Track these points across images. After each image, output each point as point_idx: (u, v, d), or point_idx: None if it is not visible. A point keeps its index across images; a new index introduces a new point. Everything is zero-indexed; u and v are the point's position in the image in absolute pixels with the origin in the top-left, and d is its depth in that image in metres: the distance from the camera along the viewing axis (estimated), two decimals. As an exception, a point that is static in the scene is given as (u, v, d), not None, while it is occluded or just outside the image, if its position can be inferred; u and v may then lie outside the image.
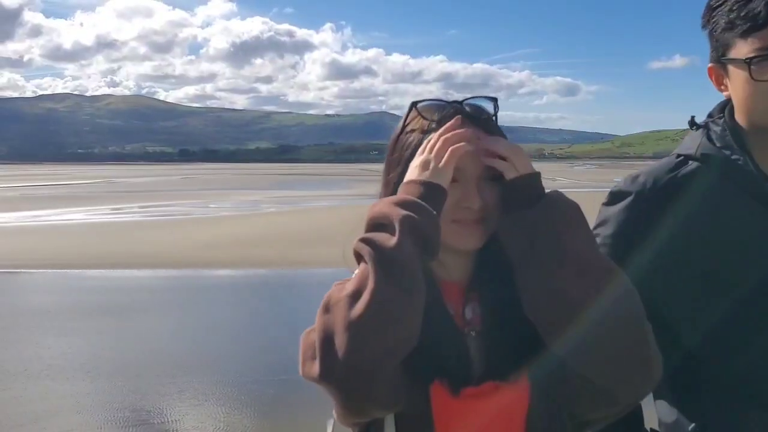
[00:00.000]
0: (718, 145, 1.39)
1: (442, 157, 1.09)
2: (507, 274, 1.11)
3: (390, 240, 1.01)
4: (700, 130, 1.44)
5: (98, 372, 7.16)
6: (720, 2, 1.35)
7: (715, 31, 1.37)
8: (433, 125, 1.14)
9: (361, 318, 0.96)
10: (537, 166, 1.13)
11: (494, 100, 1.18)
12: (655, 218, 1.38)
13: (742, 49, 1.31)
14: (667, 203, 1.38)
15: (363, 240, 1.03)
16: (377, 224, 1.04)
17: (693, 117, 1.48)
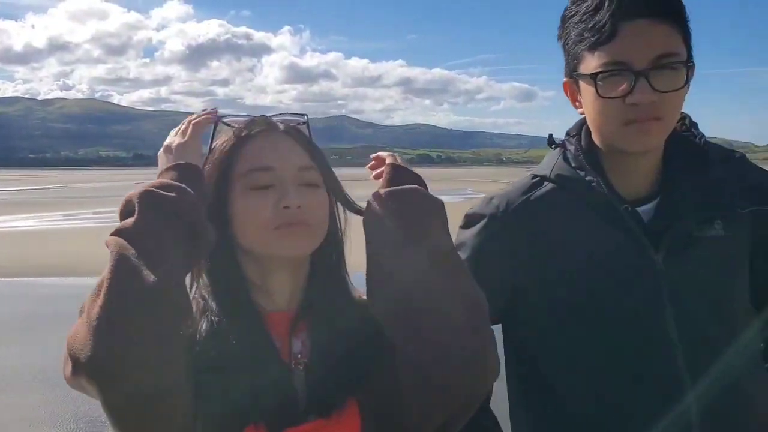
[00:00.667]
0: (573, 165, 1.34)
1: (186, 134, 1.10)
2: (339, 300, 1.12)
3: (130, 221, 0.97)
4: (558, 149, 1.39)
5: (50, 383, 6.95)
6: (572, 12, 1.28)
7: (567, 44, 1.31)
8: (244, 132, 1.13)
9: (96, 314, 0.90)
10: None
11: (304, 116, 1.18)
12: (508, 242, 1.34)
13: (591, 63, 1.25)
14: (519, 227, 1.33)
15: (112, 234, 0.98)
16: (125, 212, 1.00)
17: (551, 135, 1.43)
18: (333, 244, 1.16)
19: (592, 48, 1.23)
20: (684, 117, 1.38)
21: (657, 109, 1.22)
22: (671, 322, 1.24)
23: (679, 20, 1.23)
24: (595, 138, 1.33)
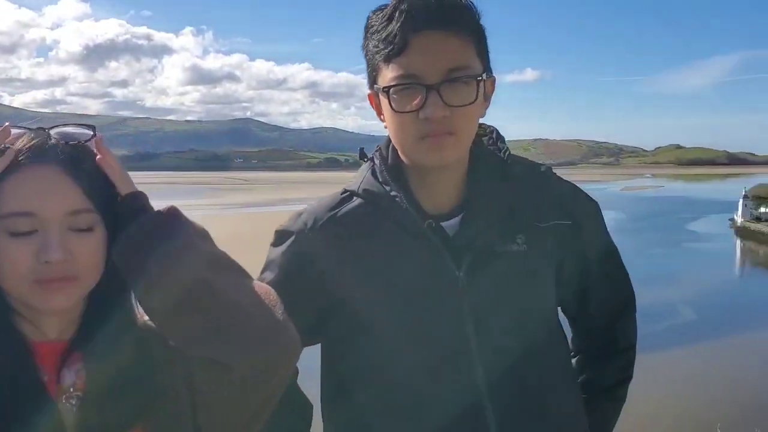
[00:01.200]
0: (379, 180, 1.31)
1: None
2: (119, 326, 1.05)
3: None
4: (368, 162, 1.36)
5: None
6: (372, 22, 1.24)
7: (367, 55, 1.27)
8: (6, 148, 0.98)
9: None
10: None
11: (92, 128, 1.06)
12: (315, 260, 1.30)
13: (386, 75, 1.21)
14: (327, 244, 1.30)
15: None
16: None
17: (362, 149, 1.40)
18: (112, 274, 1.04)
19: (387, 60, 1.20)
20: (492, 131, 1.38)
21: (450, 124, 1.19)
22: (473, 338, 1.24)
23: (472, 33, 1.21)
24: (400, 152, 1.31)
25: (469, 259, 1.27)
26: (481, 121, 1.33)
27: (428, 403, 1.26)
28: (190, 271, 1.00)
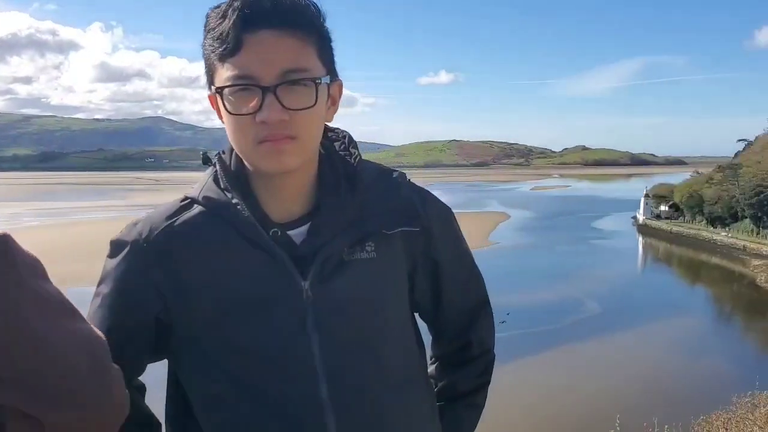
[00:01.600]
0: (220, 186, 1.23)
1: None
2: None
3: None
4: (211, 168, 1.27)
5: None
6: (210, 19, 1.17)
7: (205, 53, 1.18)
8: None
9: None
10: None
11: None
12: (149, 272, 1.20)
13: (222, 75, 1.14)
14: (162, 255, 1.20)
15: None
16: None
17: (205, 153, 1.31)
18: None
19: (221, 60, 1.14)
20: (344, 136, 1.32)
21: (289, 128, 1.14)
22: (316, 352, 1.18)
23: (312, 34, 1.15)
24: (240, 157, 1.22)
25: (315, 269, 1.20)
26: (334, 125, 1.29)
27: (271, 422, 1.20)
28: (8, 309, 0.93)
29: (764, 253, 73.62)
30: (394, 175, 1.33)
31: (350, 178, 1.27)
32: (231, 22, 1.11)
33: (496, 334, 1.50)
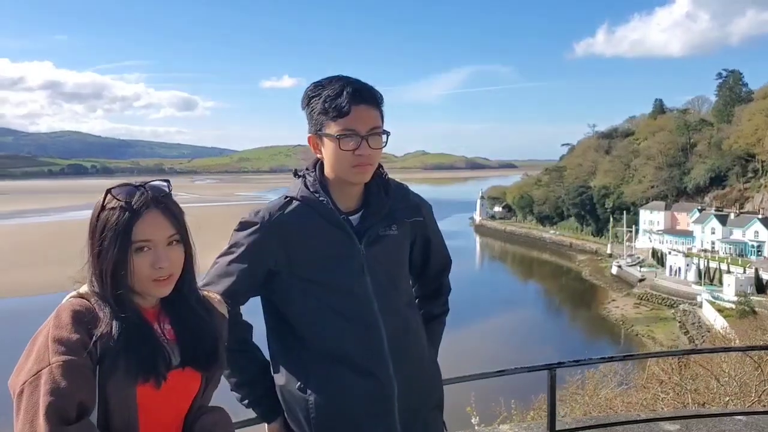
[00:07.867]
0: (311, 190, 2.03)
1: None
2: (186, 300, 1.64)
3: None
4: (300, 178, 2.08)
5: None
6: (316, 93, 1.98)
7: (313, 113, 1.99)
8: (126, 204, 1.52)
9: None
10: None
11: (167, 182, 1.65)
12: (270, 241, 2.00)
13: (333, 128, 1.95)
14: (278, 230, 2.00)
15: None
16: None
17: (296, 169, 2.14)
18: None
19: (334, 119, 1.94)
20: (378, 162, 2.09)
21: (371, 159, 1.97)
22: (369, 287, 2.02)
23: (381, 107, 2.02)
24: (329, 173, 2.04)
25: (366, 239, 2.03)
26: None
27: (348, 328, 2.00)
28: None
29: (588, 248, 79.35)
30: (403, 185, 2.22)
31: (384, 187, 2.11)
32: (346, 100, 1.91)
33: None
